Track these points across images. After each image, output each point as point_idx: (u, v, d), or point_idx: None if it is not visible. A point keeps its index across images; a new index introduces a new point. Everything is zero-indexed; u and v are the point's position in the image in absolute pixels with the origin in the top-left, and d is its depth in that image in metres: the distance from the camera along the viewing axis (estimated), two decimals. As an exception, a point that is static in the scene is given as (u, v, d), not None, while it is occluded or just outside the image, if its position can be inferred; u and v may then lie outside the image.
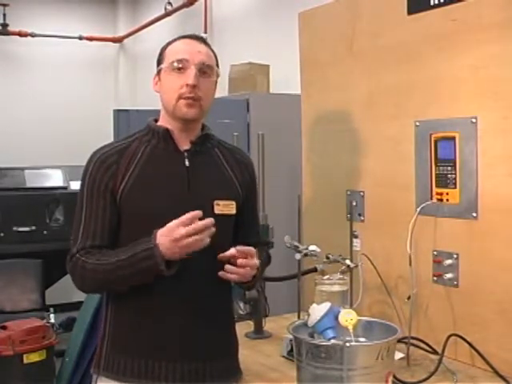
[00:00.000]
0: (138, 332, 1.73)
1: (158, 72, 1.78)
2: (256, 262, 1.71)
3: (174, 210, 1.68)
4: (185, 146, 1.78)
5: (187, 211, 1.66)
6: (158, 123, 1.82)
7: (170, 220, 1.64)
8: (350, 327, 1.68)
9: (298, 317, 2.50)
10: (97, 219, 1.72)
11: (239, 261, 1.67)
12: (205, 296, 1.74)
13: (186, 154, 1.77)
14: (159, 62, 1.79)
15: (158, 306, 1.71)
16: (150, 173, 1.74)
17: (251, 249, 1.71)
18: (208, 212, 1.72)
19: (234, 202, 1.80)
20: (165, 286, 1.69)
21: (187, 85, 1.71)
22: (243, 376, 1.89)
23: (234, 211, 1.80)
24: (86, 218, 1.73)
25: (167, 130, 1.77)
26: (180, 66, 1.72)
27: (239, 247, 1.69)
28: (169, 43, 1.80)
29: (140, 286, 1.69)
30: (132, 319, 1.74)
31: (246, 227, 1.87)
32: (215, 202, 1.76)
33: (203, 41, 1.81)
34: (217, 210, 1.75)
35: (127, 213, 1.72)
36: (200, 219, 1.67)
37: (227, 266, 1.67)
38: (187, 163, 1.76)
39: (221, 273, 1.68)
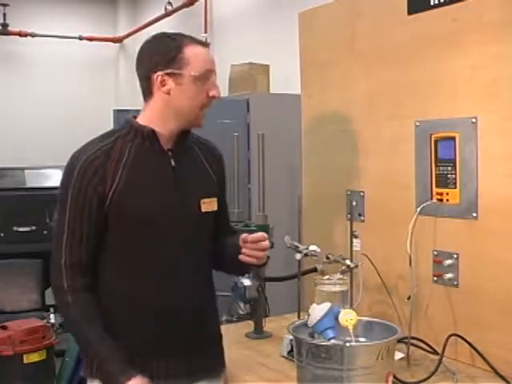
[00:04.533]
0: (126, 331, 1.72)
1: (171, 74, 1.70)
2: (267, 243, 1.75)
3: (163, 211, 1.73)
4: (167, 144, 1.77)
5: (176, 211, 1.74)
6: (140, 122, 1.77)
7: (160, 222, 1.70)
8: (350, 327, 1.68)
9: (298, 317, 2.50)
10: (82, 227, 1.69)
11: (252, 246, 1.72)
12: (192, 292, 1.77)
13: (170, 153, 1.77)
14: (172, 62, 1.70)
15: (146, 305, 1.72)
16: (138, 175, 1.72)
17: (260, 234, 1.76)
18: (195, 210, 1.78)
19: (215, 199, 1.85)
20: (153, 285, 1.73)
21: (213, 96, 1.72)
22: (238, 373, 1.91)
23: (216, 207, 1.85)
24: (70, 226, 1.69)
25: (153, 131, 1.74)
26: (210, 76, 1.72)
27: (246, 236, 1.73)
28: (186, 44, 1.72)
29: (128, 289, 1.72)
30: (119, 320, 1.73)
31: (221, 217, 1.92)
32: (202, 200, 1.79)
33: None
34: (203, 208, 1.80)
35: (116, 215, 1.70)
36: (188, 220, 1.74)
37: (244, 251, 1.73)
38: (173, 163, 1.77)
39: (241, 256, 1.73)
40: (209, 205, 1.81)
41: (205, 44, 1.77)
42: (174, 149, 1.78)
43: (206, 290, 1.85)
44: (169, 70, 1.70)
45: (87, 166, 1.68)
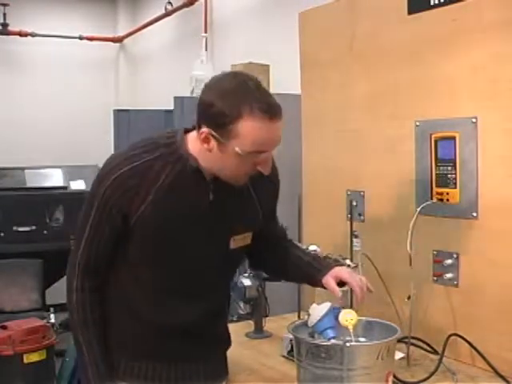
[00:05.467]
0: (134, 340, 1.74)
1: (216, 137, 1.53)
2: (359, 279, 1.77)
3: (186, 246, 1.67)
4: (211, 174, 1.64)
5: (200, 248, 1.67)
6: (190, 147, 1.62)
7: (182, 255, 1.66)
8: (350, 327, 1.68)
9: (298, 317, 2.50)
10: (102, 236, 1.66)
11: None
12: (207, 309, 1.76)
13: (211, 185, 1.64)
14: (221, 127, 1.51)
15: (160, 321, 1.72)
16: (169, 204, 1.61)
17: (349, 280, 1.76)
18: (223, 247, 1.72)
19: (251, 233, 1.78)
20: (168, 303, 1.72)
21: (258, 170, 1.60)
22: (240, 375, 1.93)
23: (249, 241, 1.79)
24: (91, 231, 1.66)
25: (198, 168, 1.61)
26: (260, 154, 1.56)
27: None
28: (247, 116, 1.49)
29: (142, 304, 1.72)
30: (136, 329, 1.73)
31: (269, 230, 1.88)
32: (232, 237, 1.72)
33: (281, 112, 1.59)
34: (233, 245, 1.73)
35: (140, 236, 1.65)
36: (212, 256, 1.70)
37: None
38: (211, 197, 1.64)
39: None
40: (240, 241, 1.74)
41: (274, 117, 1.55)
42: (217, 179, 1.64)
43: (221, 305, 1.86)
44: (215, 134, 1.53)
45: (118, 184, 1.60)
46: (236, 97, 1.50)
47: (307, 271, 1.85)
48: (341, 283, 1.77)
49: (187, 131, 1.67)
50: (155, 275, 1.70)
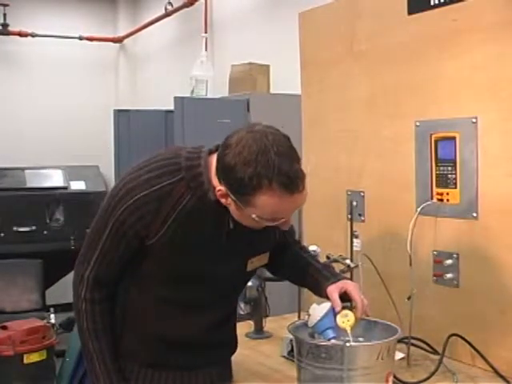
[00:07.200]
0: (147, 350, 1.74)
1: (234, 201, 1.50)
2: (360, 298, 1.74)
3: (206, 267, 1.66)
4: None
5: (218, 269, 1.67)
6: (212, 178, 1.56)
7: (197, 280, 1.66)
8: (348, 328, 1.68)
9: (298, 317, 2.50)
10: (116, 253, 1.64)
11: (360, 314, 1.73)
12: (215, 322, 1.77)
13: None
14: (239, 194, 1.47)
15: (175, 337, 1.73)
16: (191, 228, 1.59)
17: (353, 298, 1.74)
18: (240, 271, 1.74)
19: (268, 253, 1.79)
20: (186, 324, 1.72)
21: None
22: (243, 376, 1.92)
23: (266, 261, 1.80)
24: (104, 249, 1.64)
25: (217, 200, 1.55)
26: (277, 220, 1.53)
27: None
28: (266, 189, 1.43)
29: (149, 318, 1.72)
30: (143, 341, 1.74)
31: (282, 239, 1.86)
32: (250, 260, 1.73)
33: (303, 181, 1.49)
34: (250, 267, 1.75)
35: (157, 256, 1.63)
36: (228, 280, 1.71)
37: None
38: (231, 225, 1.61)
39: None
40: (258, 262, 1.76)
41: (295, 191, 1.46)
42: None
43: (231, 313, 1.87)
44: (232, 196, 1.50)
45: (135, 208, 1.55)
46: (256, 167, 1.43)
47: (315, 277, 1.83)
48: (344, 296, 1.74)
49: (211, 152, 1.61)
50: (169, 291, 1.69)
